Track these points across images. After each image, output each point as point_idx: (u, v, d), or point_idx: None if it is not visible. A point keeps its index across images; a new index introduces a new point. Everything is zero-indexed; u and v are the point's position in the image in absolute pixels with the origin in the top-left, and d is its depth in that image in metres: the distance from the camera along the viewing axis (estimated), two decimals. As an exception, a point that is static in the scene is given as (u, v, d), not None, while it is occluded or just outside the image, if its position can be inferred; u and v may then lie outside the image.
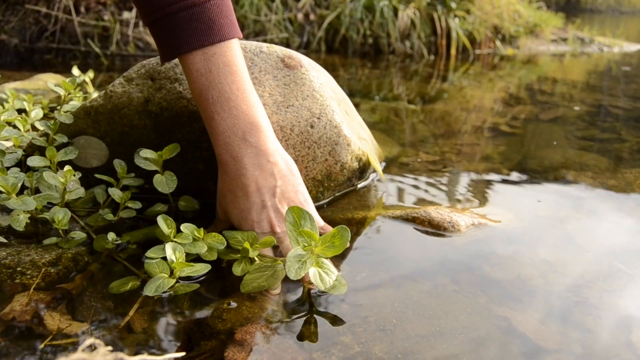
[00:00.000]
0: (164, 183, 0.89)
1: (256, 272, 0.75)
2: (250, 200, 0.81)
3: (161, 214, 0.79)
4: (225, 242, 0.80)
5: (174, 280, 0.73)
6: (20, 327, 0.65)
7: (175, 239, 0.77)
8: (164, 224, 0.78)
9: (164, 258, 0.75)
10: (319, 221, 0.88)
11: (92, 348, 0.59)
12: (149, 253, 0.77)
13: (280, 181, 0.82)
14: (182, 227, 0.79)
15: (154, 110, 0.96)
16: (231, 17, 0.82)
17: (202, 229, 0.79)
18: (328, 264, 0.73)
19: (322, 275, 0.71)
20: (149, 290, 0.71)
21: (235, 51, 0.82)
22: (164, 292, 0.73)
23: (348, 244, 0.74)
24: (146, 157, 0.89)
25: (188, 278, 0.77)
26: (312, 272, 0.70)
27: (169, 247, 0.74)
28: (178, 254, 0.74)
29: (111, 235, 0.83)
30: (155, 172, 0.91)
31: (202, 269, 0.76)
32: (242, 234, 0.80)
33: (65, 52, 2.83)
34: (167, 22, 0.79)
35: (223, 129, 0.81)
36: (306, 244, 0.72)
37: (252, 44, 1.02)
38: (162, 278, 0.73)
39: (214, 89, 0.80)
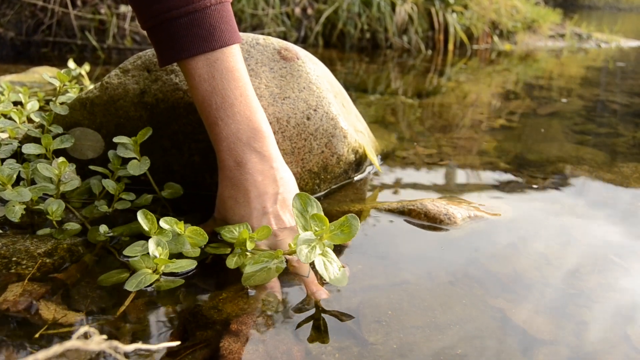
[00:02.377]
0: (137, 166, 0.88)
1: (257, 265, 0.74)
2: (252, 206, 0.81)
3: (141, 209, 0.78)
4: (207, 238, 0.79)
5: (157, 276, 0.73)
6: (14, 317, 0.65)
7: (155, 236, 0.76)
8: (144, 220, 0.77)
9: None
10: None
11: (86, 336, 0.59)
12: (126, 251, 0.76)
13: (282, 188, 0.82)
14: (162, 221, 0.77)
15: (150, 102, 0.96)
16: (232, 22, 0.82)
17: (182, 222, 0.78)
18: (331, 253, 0.73)
19: (327, 265, 0.71)
20: (130, 285, 0.70)
21: (236, 57, 0.82)
22: (147, 287, 0.72)
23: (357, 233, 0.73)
24: (121, 141, 0.88)
25: (173, 273, 0.76)
26: (318, 261, 0.70)
27: (152, 242, 0.73)
28: (161, 249, 0.73)
29: (103, 228, 0.83)
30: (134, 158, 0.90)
31: (186, 265, 0.75)
32: (237, 227, 0.80)
33: (61, 45, 2.82)
34: (167, 28, 0.78)
35: (227, 134, 0.80)
36: (317, 229, 0.71)
37: (249, 36, 1.02)
38: (145, 273, 0.72)
39: (217, 95, 0.80)
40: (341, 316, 0.68)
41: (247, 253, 0.77)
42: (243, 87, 0.81)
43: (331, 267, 0.71)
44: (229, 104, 0.80)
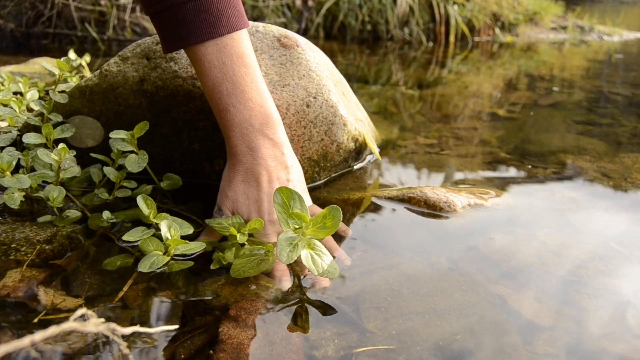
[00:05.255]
0: (135, 162, 0.88)
1: (245, 257, 0.73)
2: (264, 191, 0.80)
3: (141, 194, 0.78)
4: (219, 238, 0.79)
5: (169, 258, 0.73)
6: (13, 302, 0.65)
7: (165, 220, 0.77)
8: (143, 205, 0.77)
9: (154, 236, 0.75)
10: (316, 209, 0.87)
11: (84, 319, 0.59)
12: (126, 236, 0.77)
13: (292, 175, 0.82)
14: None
15: (149, 90, 0.95)
16: (239, 7, 0.81)
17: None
18: (320, 245, 0.72)
19: (315, 258, 0.69)
20: (144, 267, 0.71)
21: (245, 42, 0.81)
22: (158, 269, 0.72)
23: (340, 225, 0.72)
24: (119, 136, 0.88)
25: (182, 255, 0.77)
26: (304, 255, 0.69)
27: (164, 224, 0.74)
28: (173, 231, 0.74)
29: (106, 214, 0.83)
30: (132, 152, 0.90)
31: (196, 247, 0.76)
32: (228, 220, 0.79)
33: (61, 37, 2.81)
34: (173, 13, 0.77)
35: (239, 120, 0.80)
36: (297, 226, 0.70)
37: (248, 24, 1.01)
38: (157, 255, 0.73)
39: (228, 81, 0.79)
40: (340, 302, 0.68)
41: (245, 244, 0.77)
42: (253, 73, 0.81)
43: (319, 260, 0.69)
44: (240, 90, 0.80)
